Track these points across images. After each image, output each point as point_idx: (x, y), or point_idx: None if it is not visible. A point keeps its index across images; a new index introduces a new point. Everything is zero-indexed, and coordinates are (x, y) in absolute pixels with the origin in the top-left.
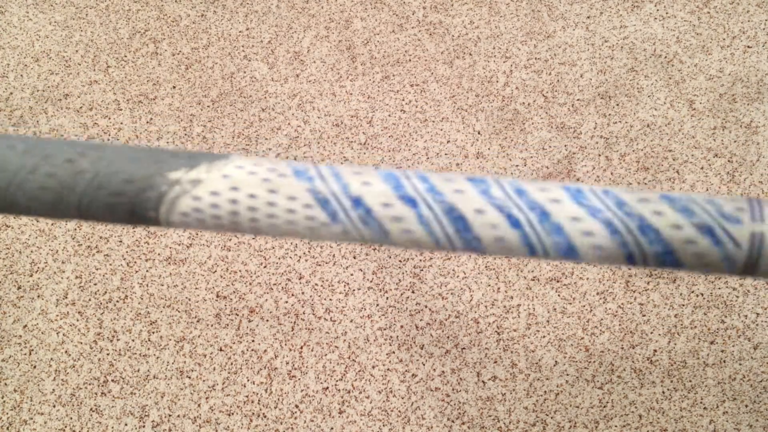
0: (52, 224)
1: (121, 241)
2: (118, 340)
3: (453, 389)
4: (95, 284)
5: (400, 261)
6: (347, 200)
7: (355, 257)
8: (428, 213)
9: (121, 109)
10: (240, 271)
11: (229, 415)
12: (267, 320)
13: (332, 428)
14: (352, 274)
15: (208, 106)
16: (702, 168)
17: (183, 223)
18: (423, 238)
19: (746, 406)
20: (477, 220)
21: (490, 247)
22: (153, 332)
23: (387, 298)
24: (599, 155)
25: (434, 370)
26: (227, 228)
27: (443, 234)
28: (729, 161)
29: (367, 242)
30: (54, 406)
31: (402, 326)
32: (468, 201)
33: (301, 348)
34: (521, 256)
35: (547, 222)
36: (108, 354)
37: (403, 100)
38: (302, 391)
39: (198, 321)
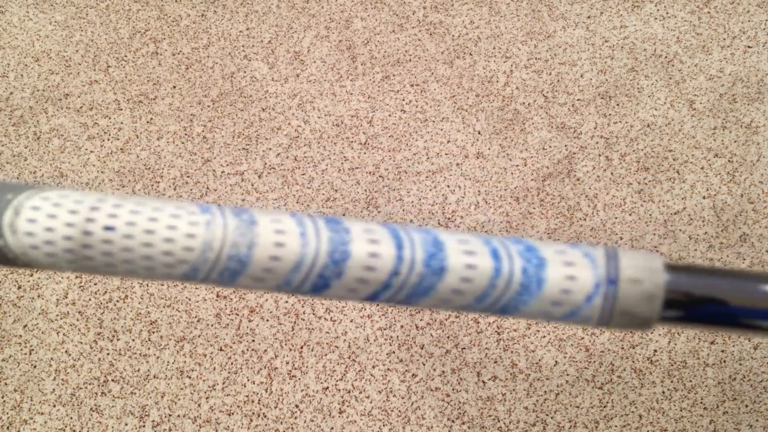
0: None
1: None
2: (118, 339)
3: (453, 389)
4: (95, 284)
5: None
6: (228, 208)
7: None
8: (307, 217)
9: (121, 109)
10: None
11: (229, 414)
12: (267, 320)
13: (332, 428)
14: None
15: (209, 106)
16: (702, 168)
17: (30, 221)
18: (290, 227)
19: (746, 406)
20: (352, 220)
21: (356, 232)
22: (153, 332)
23: None
24: (599, 155)
25: (434, 370)
26: (76, 238)
27: (313, 227)
28: (729, 161)
29: (220, 253)
30: (54, 406)
31: (402, 326)
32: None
33: (301, 348)
34: (384, 266)
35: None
36: (108, 354)
37: (404, 100)
38: (302, 391)
39: (198, 321)
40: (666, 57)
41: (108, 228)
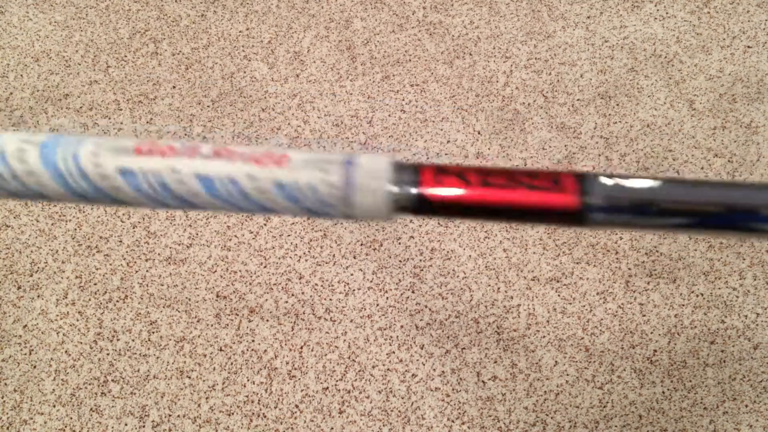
0: (52, 224)
1: (121, 241)
2: (118, 340)
3: (453, 389)
4: (95, 284)
5: (400, 261)
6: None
7: (355, 257)
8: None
9: (121, 109)
10: (240, 271)
11: (229, 415)
12: (267, 320)
13: (332, 428)
14: (352, 274)
15: (208, 106)
16: (702, 168)
17: None
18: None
19: (746, 406)
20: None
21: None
22: (153, 332)
23: (387, 298)
24: (599, 155)
25: (434, 370)
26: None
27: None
28: (729, 161)
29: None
30: (54, 406)
31: (402, 326)
32: None
33: (301, 348)
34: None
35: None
36: (108, 354)
37: (404, 100)
38: (302, 391)
39: (198, 321)
40: (666, 57)
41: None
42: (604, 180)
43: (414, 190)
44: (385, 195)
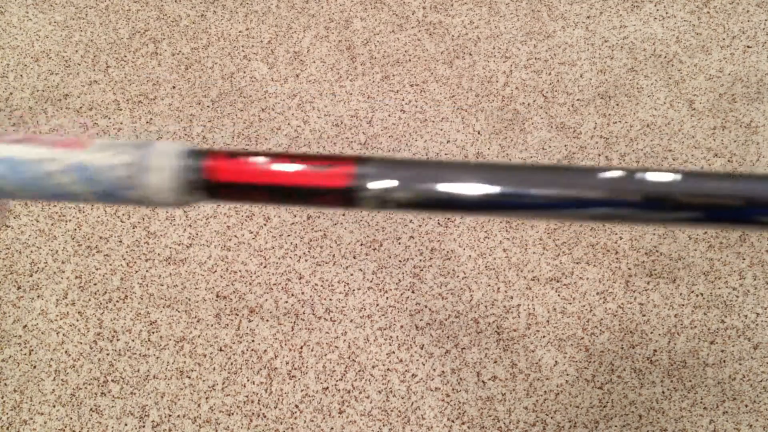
0: (52, 224)
1: (121, 241)
2: (118, 340)
3: (453, 389)
4: (95, 284)
5: (400, 261)
6: None
7: (355, 257)
8: None
9: (121, 109)
10: (240, 271)
11: (229, 415)
12: (267, 320)
13: (332, 428)
14: (352, 274)
15: (208, 106)
16: (702, 168)
17: None
18: None
19: (746, 406)
20: None
21: None
22: (153, 332)
23: (387, 298)
24: (599, 155)
25: (434, 370)
26: None
27: None
28: (729, 161)
29: None
30: (54, 406)
31: (402, 326)
32: None
33: (301, 348)
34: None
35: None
36: (108, 354)
37: (403, 100)
38: (302, 391)
39: (198, 321)
40: (666, 57)
41: None
42: (375, 163)
43: (200, 170)
44: (174, 174)
